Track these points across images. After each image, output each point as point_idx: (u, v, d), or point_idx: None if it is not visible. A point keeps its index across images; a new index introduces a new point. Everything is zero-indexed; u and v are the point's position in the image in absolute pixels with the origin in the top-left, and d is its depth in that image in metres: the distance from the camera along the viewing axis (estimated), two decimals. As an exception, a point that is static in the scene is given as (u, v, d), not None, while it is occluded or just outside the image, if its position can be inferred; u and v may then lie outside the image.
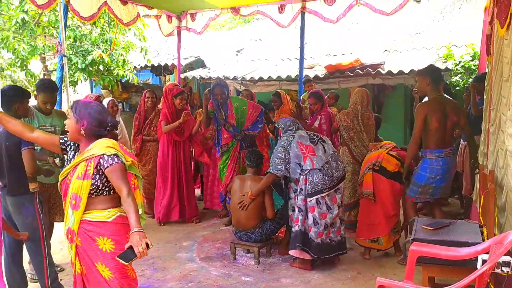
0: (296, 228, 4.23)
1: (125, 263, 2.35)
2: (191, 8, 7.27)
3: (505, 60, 3.30)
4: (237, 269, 4.41)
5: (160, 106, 6.27)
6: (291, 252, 4.30)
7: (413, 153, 4.40)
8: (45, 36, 8.41)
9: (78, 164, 2.53)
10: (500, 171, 3.31)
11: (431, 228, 3.00)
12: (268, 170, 4.38)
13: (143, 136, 6.09)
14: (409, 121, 9.22)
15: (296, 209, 4.26)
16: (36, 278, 3.69)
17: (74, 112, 2.57)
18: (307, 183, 4.19)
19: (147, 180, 6.05)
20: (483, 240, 2.89)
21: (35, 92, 4.44)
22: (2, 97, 3.48)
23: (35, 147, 3.93)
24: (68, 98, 6.53)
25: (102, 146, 2.52)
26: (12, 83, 8.96)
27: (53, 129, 4.08)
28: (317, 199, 4.16)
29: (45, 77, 8.87)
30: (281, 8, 6.77)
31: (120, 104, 9.90)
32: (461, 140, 5.53)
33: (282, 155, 4.27)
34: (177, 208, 5.83)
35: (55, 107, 4.39)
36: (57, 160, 3.92)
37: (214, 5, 7.01)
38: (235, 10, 7.05)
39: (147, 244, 2.33)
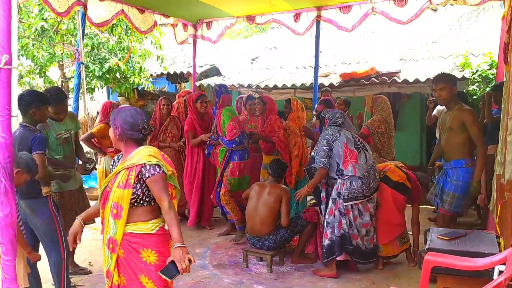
0: (342, 231, 4.26)
1: (168, 279, 2.33)
2: (207, 17, 7.33)
3: (523, 69, 3.25)
4: (250, 277, 4.39)
5: (173, 113, 6.35)
6: (339, 258, 4.29)
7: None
8: (63, 44, 8.56)
9: (119, 172, 2.49)
10: (518, 181, 3.25)
11: (447, 238, 2.95)
12: (314, 165, 4.38)
13: (158, 142, 6.13)
14: (424, 130, 9.13)
15: (337, 213, 4.29)
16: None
17: (112, 121, 2.59)
18: (344, 188, 4.24)
19: None
20: (500, 251, 2.83)
21: None
22: (19, 102, 3.49)
23: (57, 156, 4.01)
24: (85, 105, 6.64)
25: (143, 155, 2.48)
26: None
27: (68, 134, 4.17)
28: (351, 205, 4.24)
29: (63, 84, 9.02)
30: (297, 17, 6.79)
31: (136, 111, 10.02)
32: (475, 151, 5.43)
33: (326, 148, 4.28)
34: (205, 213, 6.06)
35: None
36: (90, 166, 4.07)
37: (230, 14, 7.06)
38: (251, 18, 7.08)
39: (189, 260, 2.32)
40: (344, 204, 4.23)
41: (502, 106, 4.50)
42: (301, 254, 4.72)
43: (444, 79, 4.44)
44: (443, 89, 4.29)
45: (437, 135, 6.57)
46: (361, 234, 4.31)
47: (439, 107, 6.49)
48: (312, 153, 4.56)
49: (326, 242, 4.29)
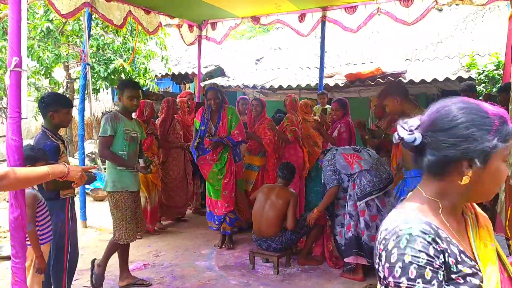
0: (349, 234, 4.21)
1: None
2: (212, 17, 7.33)
3: (531, 69, 3.23)
4: (256, 278, 4.38)
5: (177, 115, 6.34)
6: (346, 259, 4.27)
7: None
8: (68, 45, 8.58)
9: None
10: (527, 182, 3.23)
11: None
12: (327, 186, 4.37)
13: (168, 143, 6.07)
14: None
15: (347, 216, 4.25)
16: None
17: None
18: (356, 188, 4.22)
19: (170, 188, 6.06)
20: (510, 254, 2.81)
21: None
22: (39, 104, 3.52)
23: (121, 151, 4.02)
24: (91, 106, 6.65)
25: None
26: (36, 91, 9.17)
27: (135, 135, 4.10)
28: (366, 202, 4.16)
29: (68, 85, 9.04)
30: (302, 17, 6.79)
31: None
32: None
33: (332, 167, 4.34)
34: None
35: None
36: (141, 161, 4.18)
37: (235, 15, 7.06)
38: (256, 19, 7.09)
39: None
40: (359, 202, 4.19)
41: (510, 107, 4.49)
42: (307, 256, 4.71)
43: (384, 93, 3.86)
44: (386, 105, 3.79)
45: None
46: None
47: None
48: (323, 181, 4.57)
49: (342, 240, 4.34)
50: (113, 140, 3.92)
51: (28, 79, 8.52)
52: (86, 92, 6.04)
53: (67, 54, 8.31)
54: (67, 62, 8.60)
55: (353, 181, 4.25)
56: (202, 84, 9.05)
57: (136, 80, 8.33)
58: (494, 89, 6.31)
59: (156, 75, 10.09)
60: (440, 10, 9.99)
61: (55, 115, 3.41)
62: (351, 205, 4.24)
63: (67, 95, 9.24)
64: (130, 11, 6.14)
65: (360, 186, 4.19)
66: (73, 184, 2.33)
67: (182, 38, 7.50)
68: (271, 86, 8.87)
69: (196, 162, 5.26)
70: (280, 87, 8.75)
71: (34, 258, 3.07)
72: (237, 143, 5.17)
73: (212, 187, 5.17)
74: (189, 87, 11.18)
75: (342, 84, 8.24)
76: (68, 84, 9.02)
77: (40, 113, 3.59)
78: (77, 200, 6.21)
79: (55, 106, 3.42)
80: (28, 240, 3.03)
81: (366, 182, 4.18)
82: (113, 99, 11.57)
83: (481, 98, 6.31)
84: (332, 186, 4.31)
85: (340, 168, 4.33)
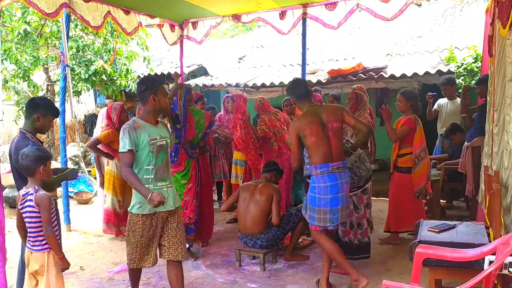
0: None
1: None
2: (193, 16, 7.31)
3: (508, 60, 3.29)
4: (243, 275, 4.39)
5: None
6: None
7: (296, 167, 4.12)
8: (47, 47, 8.47)
9: None
10: (505, 171, 3.29)
11: (437, 230, 2.99)
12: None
13: None
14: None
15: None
16: None
17: None
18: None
19: None
20: (490, 241, 2.86)
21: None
22: (28, 103, 3.49)
23: (147, 166, 3.40)
24: (72, 108, 6.59)
25: None
26: (16, 94, 9.02)
27: (164, 142, 3.43)
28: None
29: (49, 87, 8.92)
30: (282, 15, 6.80)
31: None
32: (465, 142, 5.51)
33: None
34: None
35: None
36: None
37: (216, 13, 7.05)
38: (236, 17, 7.08)
39: None
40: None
41: (488, 99, 4.57)
42: (293, 252, 4.73)
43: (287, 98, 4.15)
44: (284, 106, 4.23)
45: (438, 130, 6.68)
46: (354, 229, 4.34)
47: (439, 101, 6.61)
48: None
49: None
50: (134, 155, 3.26)
51: (7, 82, 8.40)
52: (66, 94, 5.98)
53: (46, 56, 8.19)
54: (47, 65, 8.48)
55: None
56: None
57: (117, 81, 8.27)
58: (473, 82, 6.41)
59: (138, 76, 10.00)
60: (419, 5, 10.12)
61: (41, 118, 3.40)
62: None
63: (48, 98, 9.13)
64: (109, 11, 6.09)
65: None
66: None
67: (165, 38, 7.46)
68: (254, 84, 8.87)
69: None
70: (263, 85, 8.76)
71: (48, 262, 3.01)
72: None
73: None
74: (172, 87, 11.13)
75: (324, 80, 8.28)
76: (48, 87, 8.89)
77: (21, 117, 3.55)
78: (60, 203, 6.18)
79: (44, 110, 3.41)
80: (37, 244, 2.99)
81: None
82: (95, 101, 11.45)
83: (460, 90, 6.41)
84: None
85: None
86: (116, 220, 5.53)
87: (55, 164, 8.68)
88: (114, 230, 5.57)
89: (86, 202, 7.61)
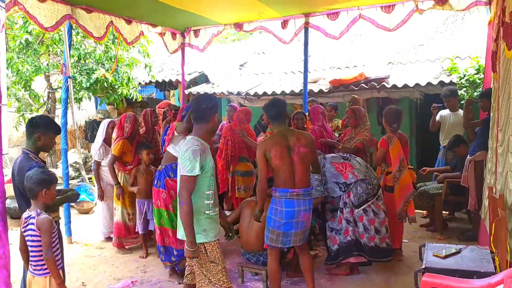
0: (348, 238, 4.43)
1: None
2: (195, 25, 7.30)
3: (512, 82, 3.28)
4: (245, 292, 4.37)
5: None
6: (346, 260, 4.49)
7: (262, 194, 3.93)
8: (49, 54, 8.44)
9: None
10: (510, 194, 3.27)
11: (442, 256, 2.97)
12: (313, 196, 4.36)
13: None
14: (414, 134, 9.19)
15: (344, 221, 4.44)
16: None
17: None
18: (351, 196, 4.40)
19: None
20: (495, 268, 2.85)
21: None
22: (28, 123, 3.45)
23: (207, 191, 3.23)
24: (73, 117, 6.57)
25: None
26: (17, 101, 9.00)
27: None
28: (363, 209, 4.40)
29: (49, 95, 8.89)
30: (284, 24, 6.80)
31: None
32: (468, 156, 5.50)
33: (319, 177, 4.42)
34: None
35: None
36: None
37: (218, 22, 7.04)
38: (238, 26, 7.07)
39: None
40: (356, 210, 4.41)
41: (491, 115, 4.55)
42: (296, 268, 4.69)
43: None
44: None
45: (441, 142, 6.68)
46: (382, 234, 4.48)
47: (441, 113, 6.60)
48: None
49: (335, 246, 4.52)
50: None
51: (8, 89, 8.37)
52: (68, 104, 5.97)
53: (47, 64, 8.16)
54: (48, 72, 8.45)
55: (349, 190, 4.42)
56: (186, 92, 9.02)
57: (119, 90, 8.24)
58: (475, 93, 6.39)
59: (139, 83, 10.00)
60: (421, 13, 10.06)
61: (42, 137, 3.38)
62: (347, 212, 4.45)
63: (49, 105, 9.10)
64: (111, 21, 6.09)
65: (356, 195, 4.42)
66: None
67: (166, 46, 7.46)
68: (255, 92, 8.85)
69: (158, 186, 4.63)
70: (265, 93, 8.74)
71: (49, 287, 2.97)
72: None
73: (176, 214, 4.34)
74: (173, 94, 11.11)
75: (326, 89, 8.27)
76: (49, 94, 8.86)
77: (22, 123, 3.53)
78: (62, 215, 6.16)
79: (44, 128, 3.39)
80: (39, 269, 2.97)
81: (362, 190, 4.42)
82: (96, 107, 11.43)
83: (462, 102, 6.40)
84: (320, 195, 4.43)
85: (331, 176, 4.45)
86: (127, 233, 5.57)
87: (55, 172, 8.68)
88: (124, 243, 5.61)
89: (87, 211, 7.59)
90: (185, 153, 3.02)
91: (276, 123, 3.93)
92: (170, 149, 4.57)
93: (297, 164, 3.74)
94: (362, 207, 4.42)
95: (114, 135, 5.60)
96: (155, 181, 4.65)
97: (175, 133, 4.49)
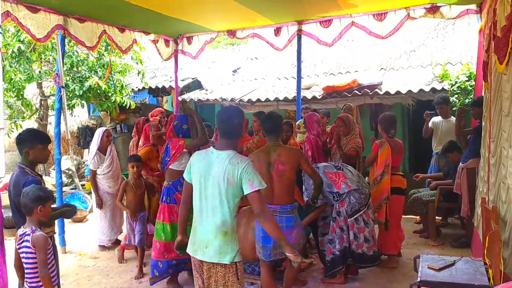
0: (344, 245, 4.51)
1: None
2: (188, 32, 7.31)
3: (504, 95, 3.33)
4: (241, 302, 4.37)
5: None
6: (339, 267, 4.55)
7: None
8: (41, 61, 8.40)
9: None
10: (503, 205, 3.33)
11: (437, 268, 3.00)
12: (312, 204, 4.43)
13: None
14: (407, 140, 9.25)
15: (338, 230, 4.52)
16: None
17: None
18: (345, 205, 4.47)
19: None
20: (489, 279, 2.89)
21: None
22: (16, 140, 3.43)
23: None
24: (67, 125, 6.55)
25: None
26: (8, 108, 8.94)
27: None
28: (356, 218, 4.47)
29: (42, 103, 8.84)
30: (277, 31, 6.84)
31: (118, 125, 9.92)
32: (460, 163, 5.56)
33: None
34: None
35: None
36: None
37: (211, 29, 7.05)
38: (232, 33, 7.10)
39: None
40: (349, 219, 4.48)
41: (483, 123, 4.61)
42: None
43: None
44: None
45: (434, 148, 6.75)
46: (371, 243, 4.56)
47: (434, 119, 6.67)
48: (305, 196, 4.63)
49: (330, 257, 4.57)
50: None
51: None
52: (62, 114, 5.95)
53: (39, 72, 8.12)
54: (40, 80, 8.40)
55: (342, 200, 4.49)
56: (179, 98, 9.02)
57: (112, 97, 8.22)
58: (467, 100, 6.47)
59: (132, 89, 9.97)
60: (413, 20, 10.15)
61: (30, 152, 3.37)
62: (341, 221, 4.53)
63: (41, 112, 9.05)
64: (104, 30, 6.09)
65: (349, 205, 4.48)
66: None
67: (159, 54, 7.47)
68: (249, 99, 8.87)
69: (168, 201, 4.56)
70: (258, 100, 8.77)
71: None
72: None
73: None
74: (166, 100, 11.10)
75: (319, 96, 8.31)
76: (42, 102, 8.82)
77: (13, 130, 3.50)
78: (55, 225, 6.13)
79: (30, 142, 3.37)
80: (34, 286, 2.96)
81: (355, 200, 4.48)
82: (89, 113, 11.37)
83: (454, 109, 6.47)
84: (317, 205, 4.48)
85: (325, 186, 4.48)
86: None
87: (48, 180, 8.63)
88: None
89: (80, 220, 7.54)
90: (247, 169, 2.80)
91: (268, 136, 3.98)
92: (174, 166, 4.49)
93: (275, 181, 3.76)
94: (354, 217, 4.46)
95: (140, 142, 5.88)
96: (163, 197, 4.56)
97: (184, 150, 4.43)
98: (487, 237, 2.92)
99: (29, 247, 2.91)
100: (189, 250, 2.94)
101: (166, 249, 4.48)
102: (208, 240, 2.82)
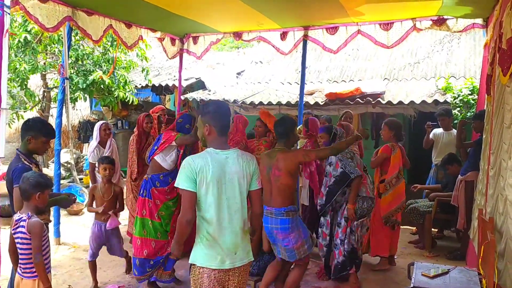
0: (351, 246, 4.59)
1: None
2: (194, 31, 7.33)
3: (507, 107, 3.33)
4: (233, 302, 4.35)
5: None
6: (352, 271, 4.62)
7: None
8: (46, 53, 8.43)
9: None
10: (500, 217, 3.32)
11: (430, 276, 3.00)
12: (351, 176, 4.45)
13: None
14: (407, 151, 9.23)
15: (349, 230, 4.59)
16: None
17: None
18: (357, 207, 4.53)
19: None
20: (483, 290, 2.88)
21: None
22: (23, 125, 3.43)
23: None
24: (68, 117, 6.56)
25: None
26: (11, 98, 8.96)
27: None
28: (362, 221, 4.61)
29: (45, 94, 8.87)
30: (283, 35, 6.85)
31: (120, 121, 9.92)
32: (459, 175, 5.56)
33: (351, 160, 4.52)
34: None
35: None
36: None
37: (217, 30, 7.07)
38: (238, 35, 7.11)
39: None
40: (356, 222, 4.56)
41: (484, 136, 4.62)
42: (285, 279, 4.70)
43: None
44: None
45: (433, 160, 6.76)
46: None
47: (435, 131, 6.68)
48: (340, 169, 4.57)
49: (341, 258, 4.62)
50: None
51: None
52: (64, 105, 5.96)
53: (44, 63, 8.15)
54: (45, 71, 8.43)
55: (360, 200, 4.56)
56: (182, 97, 9.03)
57: (115, 92, 8.24)
58: (469, 114, 6.48)
59: (136, 86, 9.99)
60: (419, 32, 10.19)
61: (32, 141, 3.37)
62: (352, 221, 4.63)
63: (43, 104, 9.07)
64: (110, 24, 6.09)
65: (360, 209, 4.55)
66: None
67: (165, 51, 7.48)
68: (251, 102, 8.88)
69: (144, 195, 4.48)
70: (261, 103, 8.77)
71: None
72: None
73: (162, 224, 4.43)
74: (169, 98, 11.12)
75: (322, 102, 8.32)
76: (45, 93, 8.83)
77: (15, 120, 3.50)
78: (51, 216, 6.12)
79: (35, 132, 3.37)
80: (27, 271, 2.96)
81: (366, 206, 4.58)
82: (91, 107, 11.40)
83: (456, 121, 6.48)
84: (358, 174, 4.44)
85: (360, 165, 4.58)
86: None
87: (46, 172, 8.63)
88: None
89: (76, 213, 7.54)
90: (257, 165, 2.87)
91: (279, 140, 4.04)
92: (159, 158, 4.43)
93: (273, 184, 3.86)
94: (360, 220, 4.59)
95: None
96: (141, 191, 4.50)
97: (173, 143, 4.39)
98: (482, 247, 2.91)
99: (24, 233, 2.91)
100: (211, 265, 2.65)
101: (146, 246, 4.36)
102: (237, 245, 2.70)
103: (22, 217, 2.95)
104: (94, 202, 4.54)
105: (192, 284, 2.73)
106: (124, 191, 5.48)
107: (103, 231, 4.46)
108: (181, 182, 2.59)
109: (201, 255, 2.67)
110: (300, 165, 4.11)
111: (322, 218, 4.82)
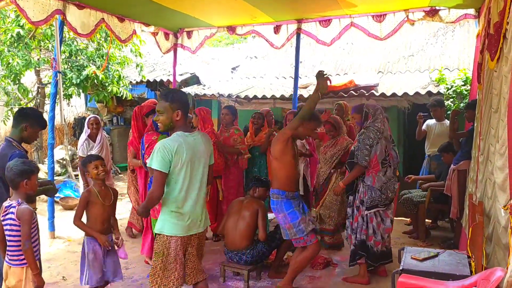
0: (362, 237, 4.49)
1: None
2: (188, 26, 7.32)
3: (494, 92, 3.35)
4: (226, 291, 4.38)
5: None
6: (359, 261, 4.51)
7: None
8: (40, 49, 8.41)
9: None
10: (488, 201, 3.34)
11: (420, 258, 3.02)
12: (355, 161, 4.44)
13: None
14: (401, 142, 9.26)
15: (360, 219, 4.53)
16: None
17: None
18: (367, 197, 4.48)
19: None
20: (471, 272, 2.90)
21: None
22: (18, 112, 3.53)
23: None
24: (62, 112, 6.55)
25: None
26: (5, 95, 8.96)
27: None
28: (374, 212, 4.48)
29: (39, 90, 8.85)
30: (277, 29, 6.86)
31: (115, 117, 9.92)
32: (451, 165, 5.57)
33: (369, 148, 4.41)
34: None
35: None
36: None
37: (211, 24, 7.07)
38: (231, 29, 7.12)
39: None
40: (367, 212, 4.48)
41: (475, 125, 4.64)
42: (278, 269, 4.73)
43: None
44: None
45: (426, 151, 6.76)
46: (384, 240, 4.55)
47: (428, 122, 6.68)
48: (353, 148, 4.60)
49: (351, 247, 4.60)
50: None
51: (-2, 84, 8.33)
52: (57, 99, 5.95)
53: (38, 59, 8.13)
54: (38, 67, 8.42)
55: (365, 190, 4.48)
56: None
57: (109, 87, 8.23)
58: (462, 104, 6.50)
59: (130, 82, 9.98)
60: (412, 24, 10.21)
61: (28, 129, 3.45)
62: (363, 210, 4.52)
63: (38, 100, 9.06)
64: (103, 18, 6.06)
65: (370, 198, 4.46)
66: None
67: (159, 46, 7.47)
68: (246, 95, 8.90)
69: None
70: (255, 97, 8.79)
71: (25, 277, 2.97)
72: None
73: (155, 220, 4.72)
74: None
75: (316, 95, 8.33)
76: (39, 89, 8.82)
77: (10, 117, 3.55)
78: (45, 210, 6.13)
79: (31, 121, 3.45)
80: (15, 259, 2.96)
81: (375, 196, 4.46)
82: (86, 104, 11.39)
83: (449, 112, 6.49)
84: (364, 164, 4.42)
85: (378, 154, 4.44)
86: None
87: (42, 168, 8.62)
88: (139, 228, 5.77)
89: (71, 208, 7.52)
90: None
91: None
92: None
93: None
94: (372, 210, 4.46)
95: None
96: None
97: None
98: (471, 228, 2.93)
99: (13, 219, 2.91)
100: (177, 233, 2.98)
101: None
102: (201, 214, 3.11)
103: (12, 204, 2.95)
104: (85, 213, 3.57)
105: (158, 251, 2.99)
106: (123, 186, 5.47)
107: (102, 248, 3.59)
108: (156, 163, 2.85)
109: (169, 225, 2.98)
110: (286, 147, 4.07)
111: (348, 209, 4.76)
